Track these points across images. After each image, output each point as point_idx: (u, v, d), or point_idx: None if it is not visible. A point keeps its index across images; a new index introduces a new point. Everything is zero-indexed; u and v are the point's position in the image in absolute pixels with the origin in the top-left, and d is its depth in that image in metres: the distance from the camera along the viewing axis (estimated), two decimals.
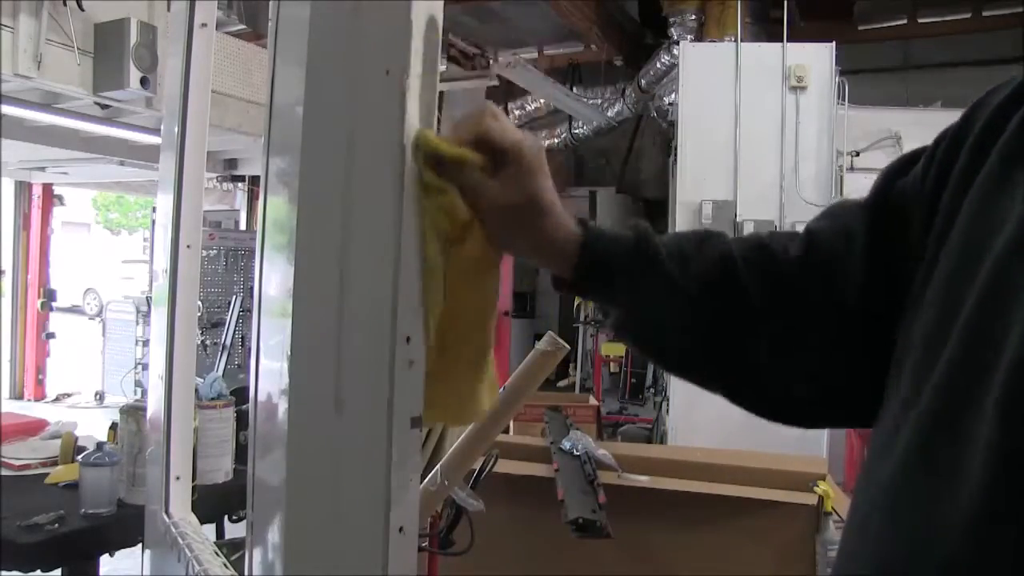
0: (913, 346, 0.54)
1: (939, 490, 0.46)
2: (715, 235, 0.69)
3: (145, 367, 5.97)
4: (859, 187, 4.06)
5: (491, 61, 5.12)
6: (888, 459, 0.51)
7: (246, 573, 0.66)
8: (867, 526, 0.52)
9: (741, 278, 0.65)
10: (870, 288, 0.62)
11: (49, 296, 7.46)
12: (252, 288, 0.70)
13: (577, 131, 7.12)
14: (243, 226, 7.27)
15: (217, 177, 6.67)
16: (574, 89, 6.72)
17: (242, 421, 2.15)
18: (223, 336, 5.53)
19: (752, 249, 0.67)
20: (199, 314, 2.53)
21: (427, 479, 1.20)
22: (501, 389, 1.18)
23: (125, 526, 1.81)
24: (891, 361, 0.58)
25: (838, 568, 0.56)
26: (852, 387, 0.64)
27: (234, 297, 5.71)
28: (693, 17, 5.62)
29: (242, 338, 5.56)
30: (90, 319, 10.95)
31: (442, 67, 4.72)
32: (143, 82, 3.79)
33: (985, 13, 5.76)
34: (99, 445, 1.93)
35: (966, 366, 0.47)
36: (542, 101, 6.82)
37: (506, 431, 2.42)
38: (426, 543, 1.37)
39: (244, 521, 0.76)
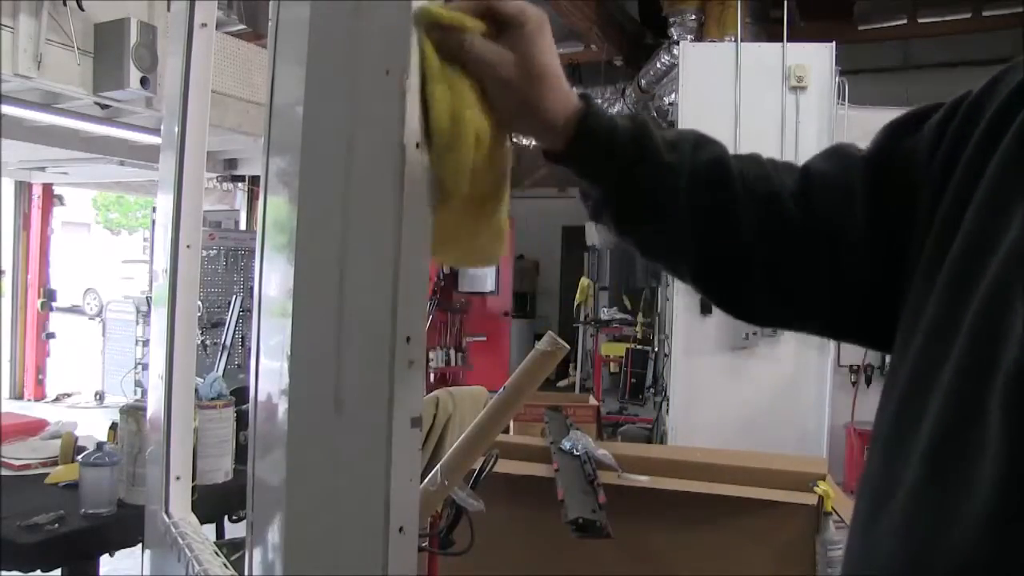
0: (916, 341, 0.54)
1: (951, 493, 0.45)
2: (712, 140, 0.69)
3: (145, 367, 5.97)
4: None
5: None
6: (895, 462, 0.51)
7: (246, 573, 0.66)
8: (875, 528, 0.51)
9: (737, 198, 0.65)
10: (871, 249, 0.62)
11: (49, 296, 7.47)
12: (252, 288, 0.70)
13: None
14: (243, 226, 7.26)
15: (217, 177, 6.67)
16: (574, 89, 6.71)
17: (242, 421, 2.15)
18: (223, 336, 5.53)
19: (752, 167, 0.68)
20: (199, 314, 2.53)
21: (427, 479, 1.20)
22: (502, 388, 1.18)
23: (125, 526, 1.81)
24: (896, 332, 0.58)
25: (846, 568, 0.56)
26: (835, 309, 0.67)
27: (234, 297, 5.71)
28: (693, 17, 5.62)
29: (242, 338, 5.56)
30: (90, 319, 10.95)
31: None
32: (143, 82, 3.79)
33: (985, 13, 5.75)
34: (99, 445, 1.93)
35: (972, 369, 0.47)
36: None
37: (506, 431, 2.42)
38: (426, 543, 1.37)
39: (244, 521, 0.76)
